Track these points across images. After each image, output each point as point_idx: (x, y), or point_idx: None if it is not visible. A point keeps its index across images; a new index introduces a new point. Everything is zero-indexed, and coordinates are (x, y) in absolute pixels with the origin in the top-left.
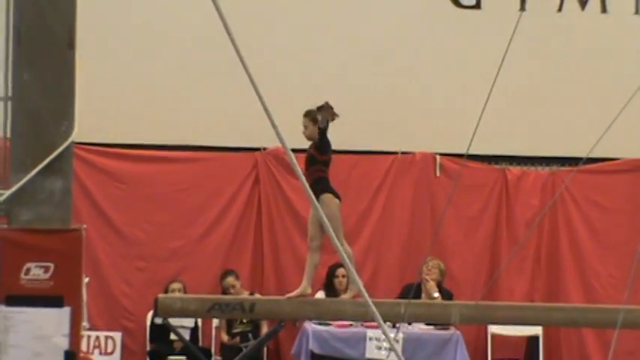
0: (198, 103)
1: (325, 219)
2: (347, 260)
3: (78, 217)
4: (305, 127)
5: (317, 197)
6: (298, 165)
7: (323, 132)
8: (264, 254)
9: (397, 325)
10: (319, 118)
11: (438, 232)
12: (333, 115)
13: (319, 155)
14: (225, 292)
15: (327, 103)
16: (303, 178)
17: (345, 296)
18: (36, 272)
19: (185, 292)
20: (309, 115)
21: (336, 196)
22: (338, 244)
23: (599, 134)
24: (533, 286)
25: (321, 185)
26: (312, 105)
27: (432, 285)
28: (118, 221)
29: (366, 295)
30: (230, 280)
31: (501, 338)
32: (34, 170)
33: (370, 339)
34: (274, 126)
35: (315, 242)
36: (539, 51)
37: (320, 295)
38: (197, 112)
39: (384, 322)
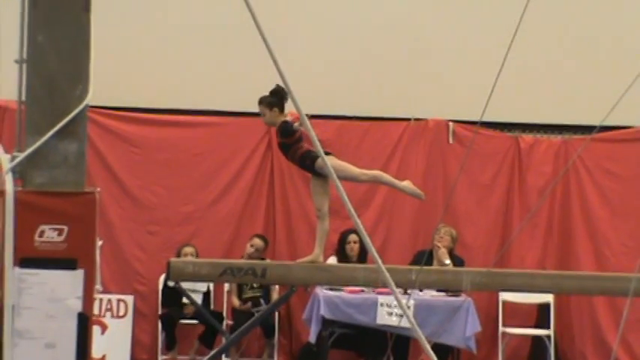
0: (213, 67)
1: (340, 186)
2: (359, 223)
3: (91, 181)
4: (263, 114)
5: (311, 171)
6: (313, 130)
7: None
8: (276, 219)
9: (408, 291)
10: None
11: (450, 199)
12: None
13: (288, 139)
14: (245, 252)
15: (278, 86)
16: (318, 144)
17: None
18: (50, 235)
19: (197, 257)
20: (264, 101)
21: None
22: (349, 206)
23: (613, 102)
24: (544, 254)
25: (309, 158)
26: (326, 72)
27: (443, 252)
28: (132, 185)
29: (380, 261)
30: (259, 242)
31: (512, 305)
32: (49, 133)
33: (381, 305)
34: (289, 91)
35: (323, 210)
36: (554, 18)
37: (332, 260)
38: (212, 77)
39: (396, 288)
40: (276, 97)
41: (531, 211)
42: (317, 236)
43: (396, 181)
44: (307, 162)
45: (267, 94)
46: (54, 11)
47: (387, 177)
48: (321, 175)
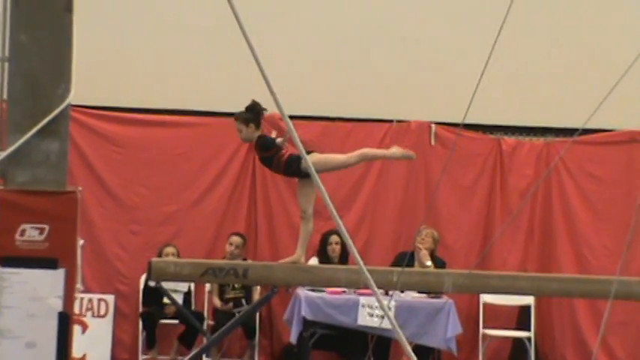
0: (195, 67)
1: (322, 187)
2: (341, 224)
3: (73, 180)
4: (239, 130)
5: (299, 175)
6: (295, 131)
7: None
8: (258, 220)
9: (390, 292)
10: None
11: (432, 201)
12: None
13: (268, 152)
14: (227, 252)
15: (253, 101)
16: (300, 145)
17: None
18: (31, 234)
19: (179, 257)
20: (240, 118)
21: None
22: (332, 207)
23: (595, 105)
24: (526, 256)
25: (294, 162)
26: (309, 73)
27: (424, 254)
28: (114, 185)
29: (361, 262)
30: (236, 239)
31: (493, 307)
32: (31, 132)
33: (363, 306)
34: (272, 92)
35: (308, 212)
36: (537, 20)
37: (313, 261)
38: (194, 77)
39: (377, 289)
40: (252, 113)
41: (513, 213)
42: (300, 237)
43: (384, 151)
44: (294, 166)
45: (242, 110)
46: (36, 10)
47: (372, 151)
48: (307, 178)
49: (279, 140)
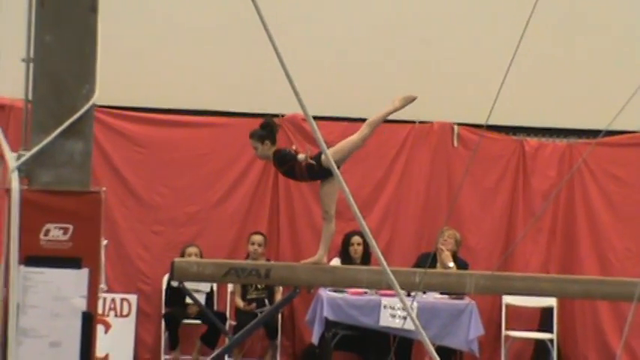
0: (217, 67)
1: (346, 188)
2: (364, 224)
3: (96, 181)
4: (255, 148)
5: (322, 176)
6: (319, 131)
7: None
8: (281, 221)
9: (412, 294)
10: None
11: (454, 202)
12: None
13: (285, 165)
14: (249, 252)
15: (268, 118)
16: (324, 145)
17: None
18: (55, 233)
19: (201, 257)
20: (255, 136)
21: None
22: (355, 208)
23: (618, 106)
24: (548, 258)
25: (314, 165)
26: (332, 74)
27: (447, 255)
28: (137, 185)
29: (384, 262)
30: (257, 237)
31: (515, 309)
32: (55, 132)
33: (385, 307)
34: (296, 92)
35: (330, 213)
36: (560, 22)
37: (335, 262)
38: (217, 78)
39: (400, 290)
40: (267, 130)
41: (535, 215)
42: (322, 238)
43: (386, 109)
44: (315, 168)
45: (257, 128)
46: (61, 11)
47: (376, 117)
48: (330, 178)
49: (301, 157)
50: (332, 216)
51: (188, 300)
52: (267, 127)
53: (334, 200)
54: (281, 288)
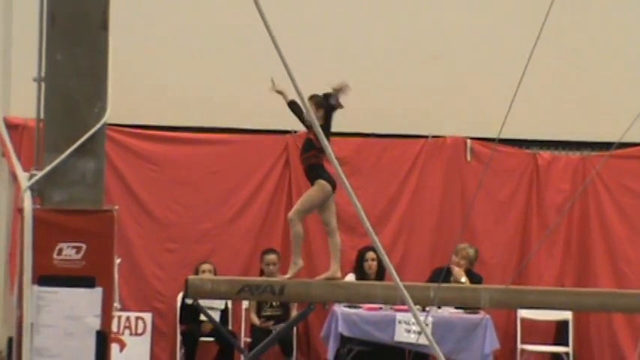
0: (230, 85)
1: (358, 204)
2: (376, 239)
3: (109, 199)
4: (307, 109)
5: (312, 183)
6: (332, 149)
7: (329, 113)
8: None
9: (427, 308)
10: (333, 100)
11: (468, 216)
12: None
13: (317, 142)
14: (262, 269)
15: (334, 93)
16: (336, 162)
17: (284, 276)
18: (68, 252)
19: (215, 274)
20: (314, 98)
21: (331, 183)
22: (367, 222)
23: (631, 119)
24: (563, 271)
25: (315, 172)
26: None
27: (459, 271)
28: (150, 203)
29: (397, 278)
30: (272, 257)
31: (531, 323)
32: (67, 151)
33: (399, 322)
34: (307, 108)
35: (332, 225)
36: (572, 35)
37: (350, 278)
38: (229, 95)
39: (414, 305)
40: (326, 101)
41: (549, 228)
42: (331, 252)
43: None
44: (312, 174)
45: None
46: (72, 30)
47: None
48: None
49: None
50: (334, 228)
51: (202, 317)
52: (330, 98)
53: (334, 213)
54: (296, 304)
